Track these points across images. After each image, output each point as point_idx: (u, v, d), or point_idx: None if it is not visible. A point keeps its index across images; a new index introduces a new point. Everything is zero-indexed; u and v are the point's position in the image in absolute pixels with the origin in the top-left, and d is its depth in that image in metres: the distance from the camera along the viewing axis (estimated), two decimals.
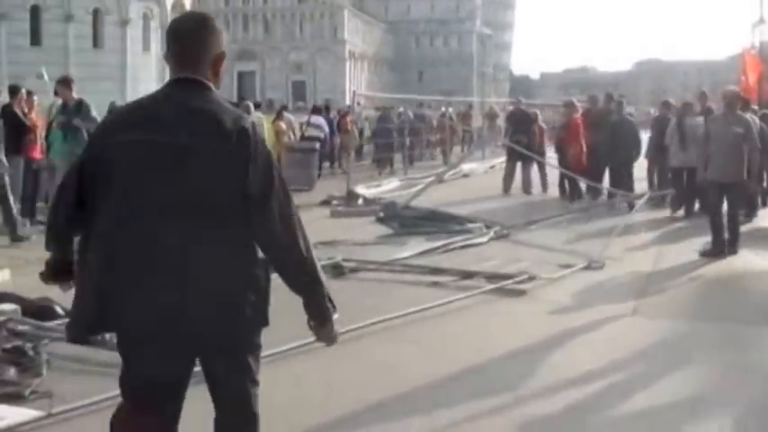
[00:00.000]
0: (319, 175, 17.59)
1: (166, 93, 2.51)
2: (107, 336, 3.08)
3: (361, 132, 23.98)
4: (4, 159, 9.31)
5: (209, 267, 2.36)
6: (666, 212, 12.35)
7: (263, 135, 2.50)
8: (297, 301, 2.56)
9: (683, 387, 4.76)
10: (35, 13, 33.69)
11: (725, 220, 8.93)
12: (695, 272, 8.23)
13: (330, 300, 2.54)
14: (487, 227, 10.40)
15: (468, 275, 7.62)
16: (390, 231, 10.48)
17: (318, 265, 2.52)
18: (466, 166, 19.40)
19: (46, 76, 13.74)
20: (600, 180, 13.77)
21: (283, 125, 17.43)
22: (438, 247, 9.10)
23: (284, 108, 21.29)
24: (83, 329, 2.54)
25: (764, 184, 12.59)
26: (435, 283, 7.35)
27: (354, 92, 28.25)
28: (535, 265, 7.97)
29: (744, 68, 17.25)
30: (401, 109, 24.56)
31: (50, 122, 10.97)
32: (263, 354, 2.65)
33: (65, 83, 10.62)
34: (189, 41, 2.51)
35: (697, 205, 11.72)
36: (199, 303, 2.35)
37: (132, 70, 34.57)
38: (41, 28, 33.75)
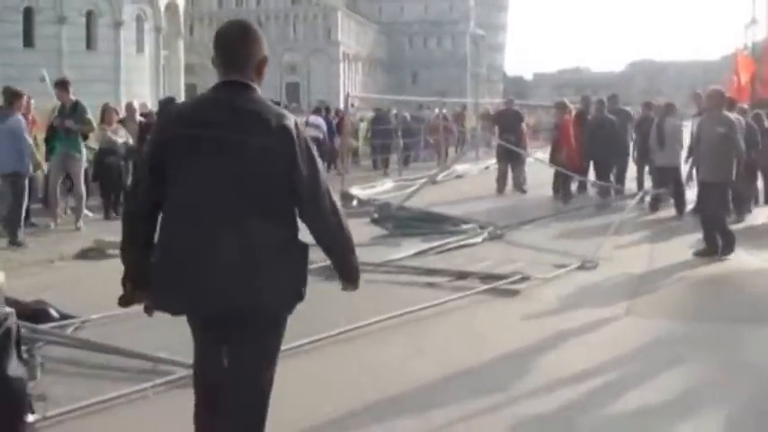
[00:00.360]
0: None
1: (217, 94, 2.77)
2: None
3: (356, 134, 23.95)
4: (29, 160, 9.35)
5: (260, 243, 2.67)
6: (660, 213, 12.40)
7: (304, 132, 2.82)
8: None
9: (677, 386, 4.78)
10: (28, 15, 33.52)
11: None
12: (689, 271, 8.25)
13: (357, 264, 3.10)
14: (481, 227, 10.43)
15: (462, 276, 7.65)
16: (385, 232, 10.49)
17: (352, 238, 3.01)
18: (460, 168, 19.43)
19: (47, 79, 13.71)
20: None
21: None
22: (432, 248, 9.12)
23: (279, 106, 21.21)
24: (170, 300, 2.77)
25: (758, 183, 12.65)
26: (430, 284, 7.38)
27: (348, 93, 28.25)
28: (529, 266, 8.00)
29: (736, 68, 17.35)
30: (394, 111, 24.58)
31: (51, 125, 10.96)
32: None
33: (62, 85, 10.72)
34: (235, 48, 2.79)
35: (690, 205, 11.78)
36: (250, 273, 2.66)
37: (126, 72, 34.39)
38: (34, 30, 33.57)
